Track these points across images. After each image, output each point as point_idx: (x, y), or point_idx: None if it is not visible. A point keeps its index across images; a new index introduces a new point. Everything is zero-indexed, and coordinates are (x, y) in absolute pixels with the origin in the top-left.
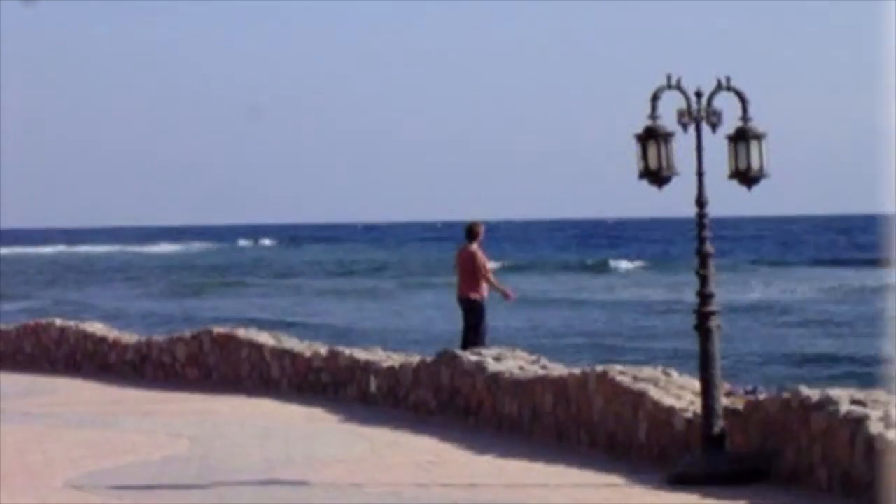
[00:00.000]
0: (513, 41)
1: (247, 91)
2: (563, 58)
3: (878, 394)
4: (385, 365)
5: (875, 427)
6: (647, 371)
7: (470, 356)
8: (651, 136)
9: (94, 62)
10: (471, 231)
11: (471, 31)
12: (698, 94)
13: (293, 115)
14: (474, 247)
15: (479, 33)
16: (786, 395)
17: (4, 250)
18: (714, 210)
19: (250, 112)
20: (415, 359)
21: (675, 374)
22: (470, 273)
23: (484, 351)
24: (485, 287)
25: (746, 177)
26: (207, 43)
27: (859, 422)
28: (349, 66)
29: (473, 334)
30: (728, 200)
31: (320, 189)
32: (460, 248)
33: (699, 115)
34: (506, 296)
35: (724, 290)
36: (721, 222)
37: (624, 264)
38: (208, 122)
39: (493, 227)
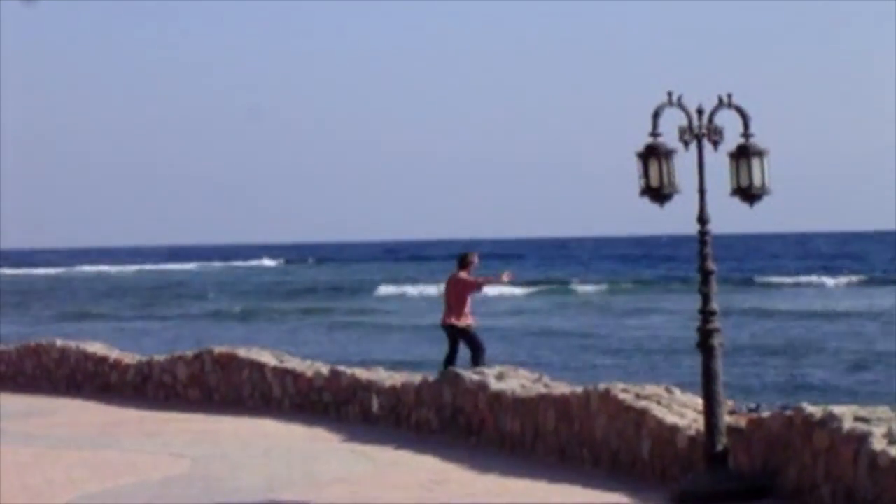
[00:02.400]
0: (512, 59)
1: (261, 100)
2: (562, 73)
3: (882, 410)
4: (387, 384)
5: (878, 444)
6: (649, 389)
7: (472, 375)
8: (652, 154)
9: (94, 63)
10: (462, 260)
11: (470, 35)
12: (699, 111)
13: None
14: (462, 274)
15: (478, 39)
16: (788, 412)
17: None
18: (716, 227)
19: (250, 111)
20: (417, 378)
21: (677, 391)
22: (455, 301)
23: (486, 370)
24: (470, 315)
25: (748, 194)
26: (210, 45)
27: (862, 439)
28: (349, 78)
29: (473, 357)
30: (730, 217)
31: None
32: (449, 277)
33: (700, 133)
34: (507, 280)
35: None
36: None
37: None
38: (220, 132)
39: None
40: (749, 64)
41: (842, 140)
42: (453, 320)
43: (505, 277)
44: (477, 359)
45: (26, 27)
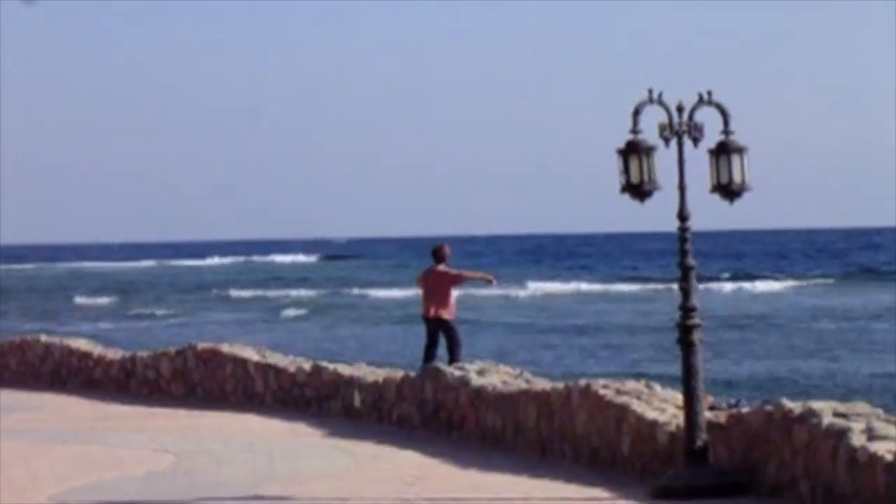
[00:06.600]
0: (495, 56)
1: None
2: (547, 70)
3: (861, 406)
4: (369, 380)
5: (857, 439)
6: (630, 385)
7: (454, 371)
8: (633, 151)
9: (95, 63)
10: (438, 252)
11: (459, 36)
12: (679, 109)
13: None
14: (442, 267)
15: (465, 39)
16: (768, 408)
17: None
18: (696, 224)
19: (250, 112)
20: (398, 373)
21: (657, 387)
22: (440, 293)
23: (467, 365)
24: (453, 306)
25: (728, 190)
26: (211, 45)
27: (841, 434)
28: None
29: (451, 351)
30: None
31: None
32: (427, 270)
33: (681, 130)
34: (489, 280)
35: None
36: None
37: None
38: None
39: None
40: (731, 63)
41: (827, 137)
42: (440, 313)
43: (492, 279)
44: (454, 353)
45: (26, 27)
